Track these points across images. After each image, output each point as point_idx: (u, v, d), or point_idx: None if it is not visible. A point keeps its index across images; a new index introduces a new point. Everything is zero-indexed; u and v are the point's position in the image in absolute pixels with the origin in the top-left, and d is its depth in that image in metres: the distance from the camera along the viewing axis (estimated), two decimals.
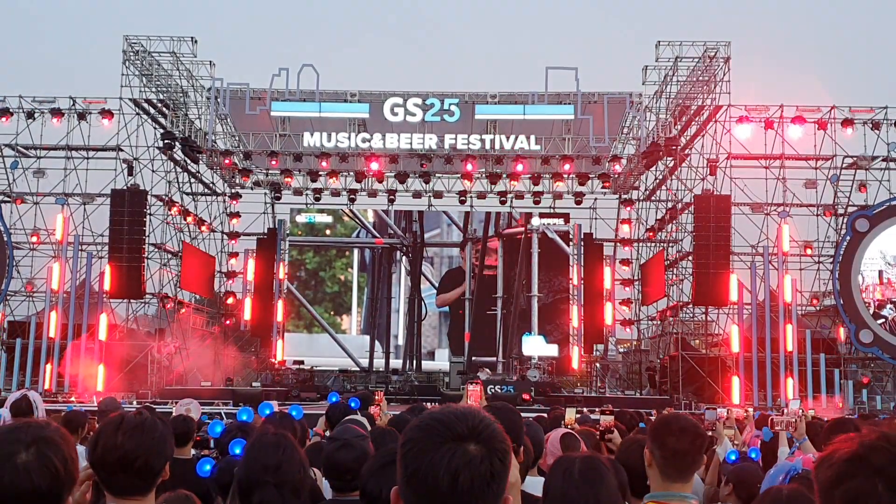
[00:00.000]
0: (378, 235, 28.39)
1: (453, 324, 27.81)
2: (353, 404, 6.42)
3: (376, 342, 27.74)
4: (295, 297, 27.93)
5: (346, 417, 5.80)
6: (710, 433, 6.58)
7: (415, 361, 27.37)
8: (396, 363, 27.42)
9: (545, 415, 9.36)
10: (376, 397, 6.96)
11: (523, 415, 4.24)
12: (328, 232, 28.76)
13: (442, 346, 27.97)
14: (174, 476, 2.89)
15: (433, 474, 1.61)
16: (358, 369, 27.05)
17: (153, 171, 24.27)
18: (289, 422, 5.13)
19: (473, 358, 26.66)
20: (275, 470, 3.28)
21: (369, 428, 5.24)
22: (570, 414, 6.22)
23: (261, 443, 3.41)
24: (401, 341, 27.95)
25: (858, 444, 1.57)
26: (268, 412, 5.46)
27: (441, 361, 27.44)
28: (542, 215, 27.59)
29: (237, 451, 4.20)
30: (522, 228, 27.56)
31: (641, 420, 7.27)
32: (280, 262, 27.24)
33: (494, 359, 26.79)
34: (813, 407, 18.05)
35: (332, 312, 28.32)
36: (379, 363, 27.29)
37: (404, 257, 28.27)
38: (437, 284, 28.22)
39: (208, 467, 4.14)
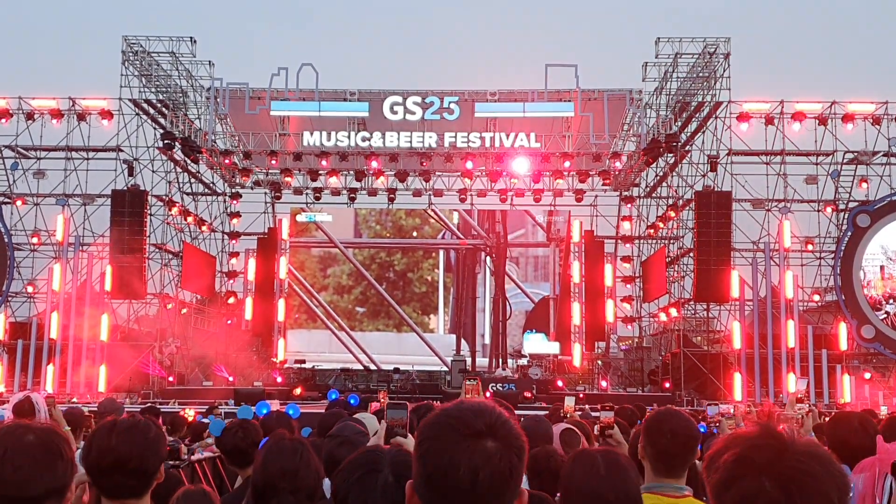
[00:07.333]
0: (462, 237, 28.78)
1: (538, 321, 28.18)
2: (352, 401, 6.41)
3: (463, 341, 28.20)
4: (384, 297, 28.42)
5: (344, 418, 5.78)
6: (713, 426, 6.53)
7: (500, 360, 27.74)
8: (483, 361, 27.93)
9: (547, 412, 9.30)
10: (380, 397, 6.94)
11: (526, 413, 4.23)
12: (415, 234, 29.32)
13: None
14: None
15: (453, 472, 1.63)
16: (361, 368, 27.10)
17: (153, 171, 24.30)
18: (285, 421, 5.11)
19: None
20: (292, 476, 3.26)
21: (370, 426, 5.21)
22: (570, 402, 6.12)
23: (278, 448, 3.38)
24: (487, 340, 28.45)
25: (742, 444, 1.56)
26: (265, 411, 5.45)
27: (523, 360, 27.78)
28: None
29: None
30: None
31: (642, 416, 7.24)
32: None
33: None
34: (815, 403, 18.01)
35: (419, 312, 28.79)
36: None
37: (488, 258, 28.63)
38: (521, 284, 28.64)
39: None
